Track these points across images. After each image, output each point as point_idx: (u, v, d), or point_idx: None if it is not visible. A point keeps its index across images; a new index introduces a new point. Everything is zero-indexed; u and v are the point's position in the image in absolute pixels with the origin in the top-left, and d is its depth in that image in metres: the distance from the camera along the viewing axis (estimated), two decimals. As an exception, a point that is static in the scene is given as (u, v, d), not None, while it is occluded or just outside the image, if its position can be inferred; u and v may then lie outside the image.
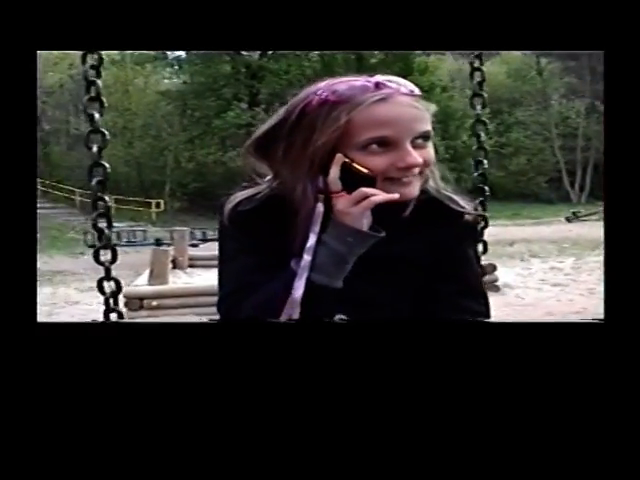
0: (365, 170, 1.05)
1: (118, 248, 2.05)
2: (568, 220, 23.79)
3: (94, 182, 1.76)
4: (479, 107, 2.22)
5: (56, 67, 29.25)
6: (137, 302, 7.31)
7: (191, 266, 10.63)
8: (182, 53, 30.57)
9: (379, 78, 1.07)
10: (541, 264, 12.36)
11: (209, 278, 8.42)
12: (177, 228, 12.50)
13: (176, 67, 32.29)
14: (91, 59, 1.79)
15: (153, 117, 30.00)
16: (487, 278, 7.32)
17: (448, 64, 33.37)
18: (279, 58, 28.60)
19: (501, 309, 7.66)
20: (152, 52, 28.71)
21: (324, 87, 1.08)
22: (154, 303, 6.29)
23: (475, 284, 1.24)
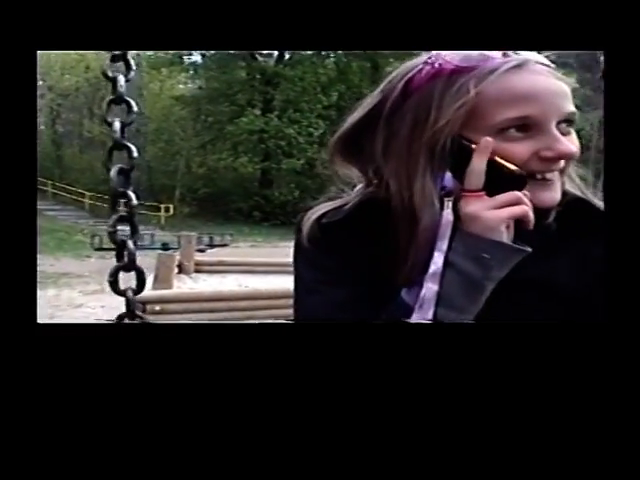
0: (514, 167, 0.79)
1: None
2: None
3: (113, 172, 1.19)
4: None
5: (72, 70, 29.39)
6: (140, 306, 7.32)
7: (197, 271, 10.63)
8: (198, 58, 30.56)
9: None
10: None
11: (214, 284, 8.45)
12: (184, 233, 12.46)
13: (191, 72, 32.18)
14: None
15: (166, 122, 30.04)
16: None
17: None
18: (295, 65, 28.53)
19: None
20: (168, 56, 28.76)
21: (435, 55, 0.84)
22: (157, 308, 6.30)
23: None
